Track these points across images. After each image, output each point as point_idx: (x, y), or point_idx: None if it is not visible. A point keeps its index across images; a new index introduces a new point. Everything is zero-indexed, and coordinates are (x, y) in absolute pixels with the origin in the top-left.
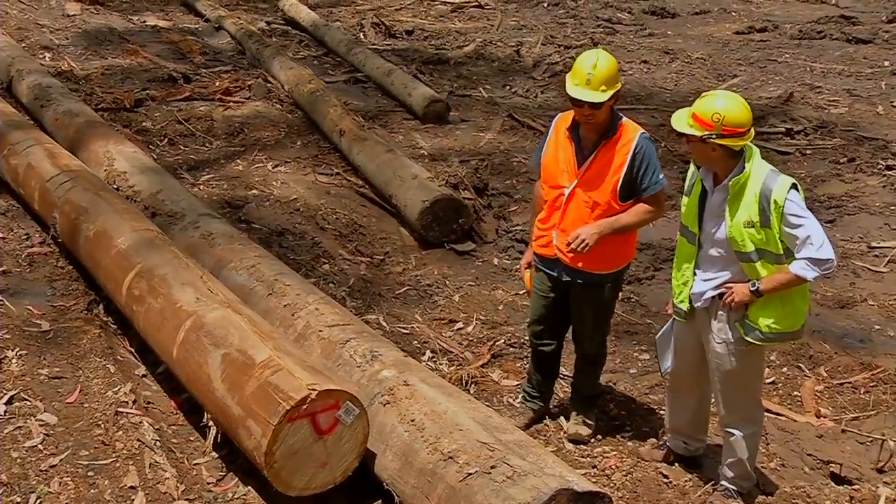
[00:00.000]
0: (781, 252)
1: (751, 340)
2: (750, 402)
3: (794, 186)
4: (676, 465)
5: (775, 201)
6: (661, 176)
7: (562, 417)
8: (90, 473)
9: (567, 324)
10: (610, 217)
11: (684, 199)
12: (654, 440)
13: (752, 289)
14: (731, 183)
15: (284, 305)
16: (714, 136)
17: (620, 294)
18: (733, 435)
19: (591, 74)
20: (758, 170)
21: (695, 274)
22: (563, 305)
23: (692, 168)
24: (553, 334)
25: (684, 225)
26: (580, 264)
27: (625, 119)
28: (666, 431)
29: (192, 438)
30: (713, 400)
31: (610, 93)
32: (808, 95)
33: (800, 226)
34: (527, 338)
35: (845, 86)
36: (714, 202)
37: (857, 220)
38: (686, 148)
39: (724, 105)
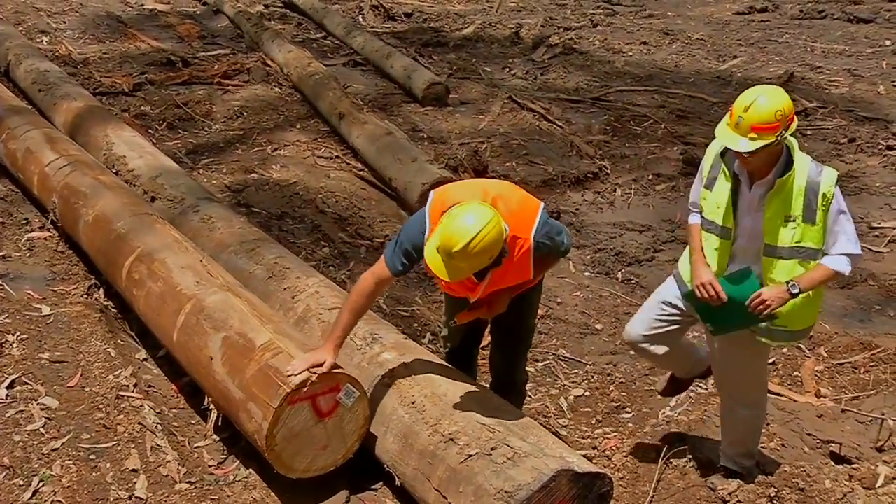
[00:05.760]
0: (820, 247)
1: (777, 343)
2: (757, 389)
3: (837, 178)
4: (677, 443)
5: (824, 195)
6: (564, 244)
7: (561, 399)
8: (92, 457)
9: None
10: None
11: (704, 193)
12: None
13: (794, 293)
14: (778, 180)
15: (284, 289)
16: (784, 133)
17: (620, 275)
18: (737, 414)
19: (459, 253)
20: (802, 162)
21: (728, 268)
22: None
23: (712, 158)
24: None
25: (711, 221)
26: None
27: (510, 231)
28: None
29: (193, 422)
30: (714, 384)
31: (468, 274)
32: (809, 76)
33: (841, 220)
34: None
35: (846, 66)
36: (754, 196)
37: (858, 201)
38: (678, 129)
39: (773, 100)
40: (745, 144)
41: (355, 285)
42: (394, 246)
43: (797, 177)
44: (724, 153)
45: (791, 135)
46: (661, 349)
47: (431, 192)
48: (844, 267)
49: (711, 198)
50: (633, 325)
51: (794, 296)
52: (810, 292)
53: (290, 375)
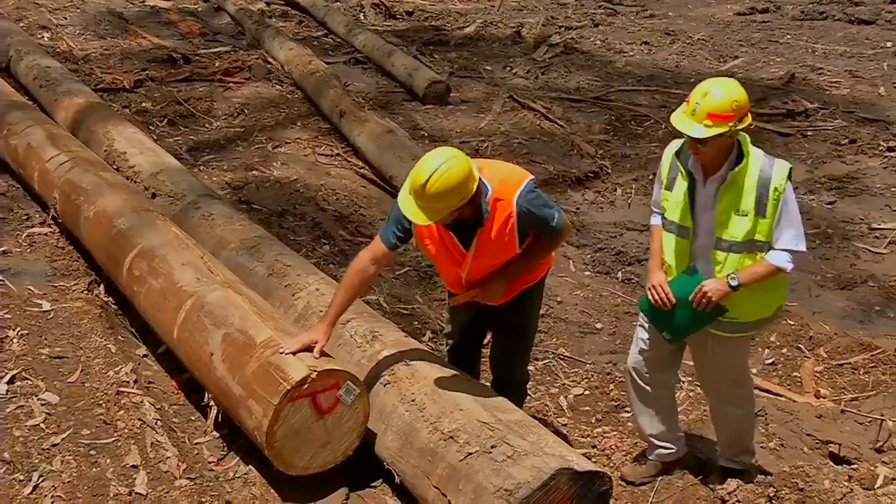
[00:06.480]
0: (769, 240)
1: (737, 335)
2: (743, 387)
3: (790, 172)
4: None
5: (776, 188)
6: (555, 220)
7: (561, 397)
8: (92, 452)
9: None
10: (515, 264)
11: (665, 194)
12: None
13: (734, 285)
14: (730, 173)
15: (285, 286)
16: (738, 124)
17: (620, 275)
18: (727, 415)
19: (422, 188)
20: (754, 155)
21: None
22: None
23: (669, 160)
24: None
25: (671, 221)
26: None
27: (493, 194)
28: (643, 441)
29: (193, 418)
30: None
31: (441, 216)
32: (810, 77)
33: (789, 215)
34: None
35: (847, 67)
36: (708, 193)
37: (858, 202)
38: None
39: (730, 90)
40: (700, 131)
41: (350, 264)
42: (387, 220)
43: (749, 171)
44: (680, 152)
45: (744, 130)
46: (662, 376)
47: None
48: (786, 264)
49: (672, 198)
50: (632, 350)
51: (733, 288)
52: (766, 286)
53: (282, 353)
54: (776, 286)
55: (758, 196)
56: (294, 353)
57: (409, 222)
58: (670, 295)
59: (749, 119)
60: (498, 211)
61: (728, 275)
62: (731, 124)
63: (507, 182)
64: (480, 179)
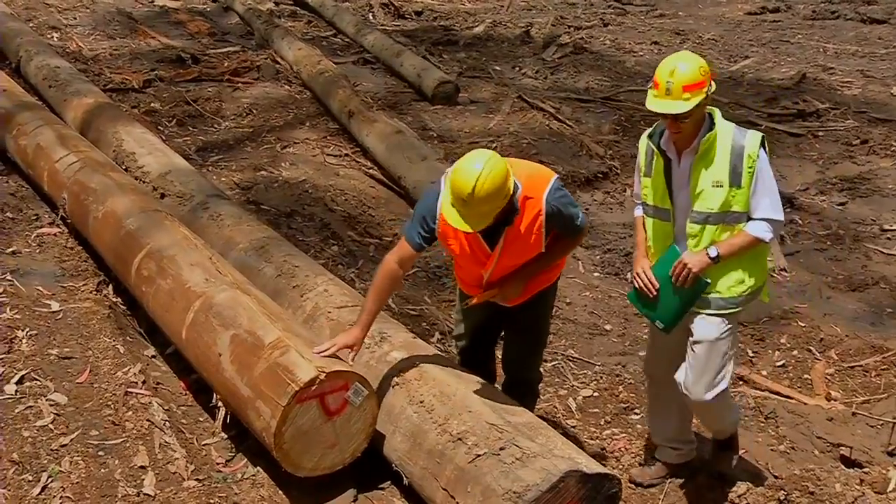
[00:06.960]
0: (746, 211)
1: (719, 312)
2: (722, 373)
3: (763, 140)
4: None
5: (749, 156)
6: (579, 219)
7: (570, 399)
8: (100, 453)
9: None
10: (534, 264)
11: (644, 181)
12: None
13: (713, 256)
14: (701, 141)
15: (293, 287)
16: (711, 87)
17: (629, 276)
18: (708, 404)
19: (470, 196)
20: (725, 126)
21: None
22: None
23: (645, 145)
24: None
25: (651, 205)
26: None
27: (522, 191)
28: (653, 443)
29: (201, 419)
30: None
31: (488, 220)
32: (821, 77)
33: (765, 184)
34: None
35: (859, 67)
36: (683, 169)
37: (870, 203)
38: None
39: (692, 59)
40: (682, 106)
41: (378, 268)
42: (410, 221)
43: (721, 140)
44: (652, 136)
45: (713, 106)
46: (673, 371)
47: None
48: (765, 234)
49: (651, 183)
50: (646, 351)
51: (713, 259)
52: (741, 259)
53: (316, 353)
54: (754, 259)
55: (732, 166)
56: (330, 356)
57: (434, 222)
58: (653, 279)
59: (714, 83)
60: (527, 209)
61: (707, 247)
62: (706, 89)
63: (534, 179)
64: (513, 200)
